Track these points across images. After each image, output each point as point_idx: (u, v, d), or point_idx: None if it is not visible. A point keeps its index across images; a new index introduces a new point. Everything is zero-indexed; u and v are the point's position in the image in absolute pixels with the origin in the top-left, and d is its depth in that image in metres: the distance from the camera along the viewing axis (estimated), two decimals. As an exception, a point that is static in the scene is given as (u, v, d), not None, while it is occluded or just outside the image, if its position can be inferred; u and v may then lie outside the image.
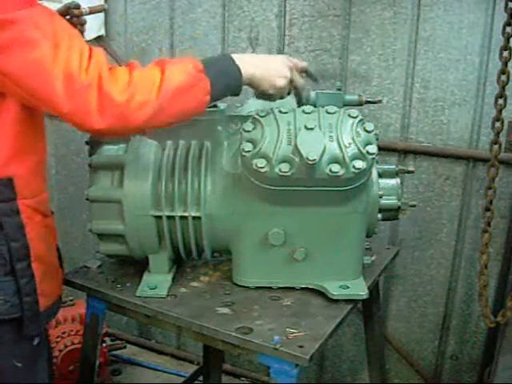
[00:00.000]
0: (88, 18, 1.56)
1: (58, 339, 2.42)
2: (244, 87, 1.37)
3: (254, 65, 1.36)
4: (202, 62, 1.28)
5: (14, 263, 1.24)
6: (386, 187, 1.62)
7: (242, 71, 1.32)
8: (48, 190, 1.40)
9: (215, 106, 1.42)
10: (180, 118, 1.28)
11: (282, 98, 1.45)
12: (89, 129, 1.18)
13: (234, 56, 1.34)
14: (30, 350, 1.35)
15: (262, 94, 1.43)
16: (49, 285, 1.36)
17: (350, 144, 1.37)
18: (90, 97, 1.13)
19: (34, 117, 1.28)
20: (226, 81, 1.31)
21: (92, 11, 1.59)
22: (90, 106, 1.14)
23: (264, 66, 1.38)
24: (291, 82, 1.44)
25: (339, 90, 1.59)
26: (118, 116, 1.17)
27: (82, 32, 1.51)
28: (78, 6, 1.52)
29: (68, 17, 1.50)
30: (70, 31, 1.18)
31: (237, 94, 1.37)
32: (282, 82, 1.40)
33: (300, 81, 1.47)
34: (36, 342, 1.36)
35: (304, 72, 1.52)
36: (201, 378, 2.48)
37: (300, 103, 1.51)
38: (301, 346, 1.31)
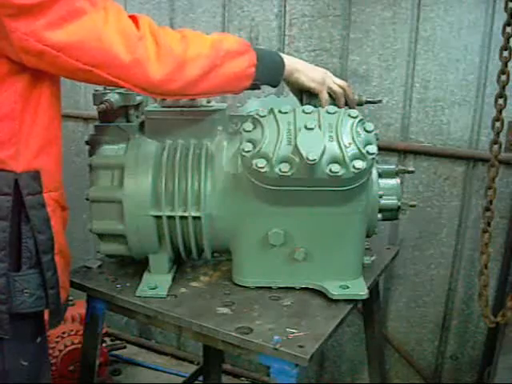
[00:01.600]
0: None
1: (58, 339, 2.42)
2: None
3: (294, 62, 1.48)
4: (251, 44, 1.39)
5: (40, 256, 1.25)
6: (386, 187, 1.62)
7: (285, 60, 1.44)
8: (61, 173, 1.40)
9: (256, 86, 1.46)
10: (225, 83, 1.34)
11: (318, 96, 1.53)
12: (149, 79, 1.21)
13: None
14: (34, 349, 1.36)
15: (302, 90, 1.52)
16: (66, 278, 1.38)
17: (350, 144, 1.37)
18: (147, 46, 1.19)
19: (59, 104, 1.30)
20: (271, 64, 1.41)
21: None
22: (149, 54, 1.19)
23: (304, 64, 1.50)
24: (329, 87, 1.53)
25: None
26: (176, 64, 1.23)
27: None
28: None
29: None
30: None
31: (275, 85, 1.46)
32: (320, 77, 1.50)
33: (339, 90, 1.54)
34: (39, 340, 1.36)
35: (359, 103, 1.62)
36: (201, 378, 2.49)
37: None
38: (301, 346, 1.31)
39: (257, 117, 1.42)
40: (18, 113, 1.18)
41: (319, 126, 1.38)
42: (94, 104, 1.56)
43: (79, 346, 2.22)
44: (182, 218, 1.54)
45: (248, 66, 1.34)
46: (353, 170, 1.36)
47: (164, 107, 1.60)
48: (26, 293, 1.24)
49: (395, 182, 1.67)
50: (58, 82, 1.30)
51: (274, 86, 1.47)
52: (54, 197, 1.29)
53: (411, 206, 1.71)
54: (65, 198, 1.38)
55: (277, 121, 1.40)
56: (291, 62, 1.46)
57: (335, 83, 1.54)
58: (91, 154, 1.61)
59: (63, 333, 2.44)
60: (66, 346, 2.41)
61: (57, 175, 1.32)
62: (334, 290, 1.53)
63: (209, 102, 1.62)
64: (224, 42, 1.31)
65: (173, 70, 1.23)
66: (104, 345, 2.63)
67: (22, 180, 1.21)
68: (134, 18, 1.21)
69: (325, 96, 1.52)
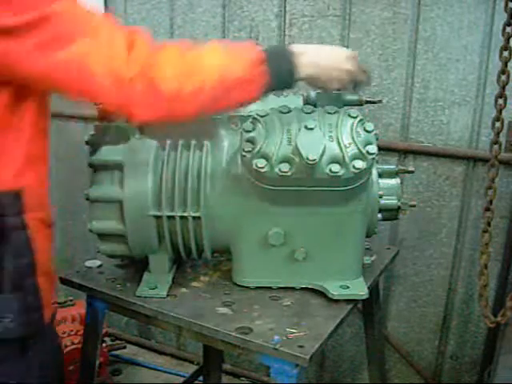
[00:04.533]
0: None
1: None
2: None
3: (314, 63, 1.29)
4: (265, 54, 1.21)
5: (22, 279, 1.17)
6: (386, 187, 1.62)
7: (300, 72, 1.26)
8: (48, 190, 1.34)
9: (339, 89, 1.39)
10: (231, 109, 1.29)
11: (339, 89, 1.42)
12: (136, 120, 1.15)
13: (297, 51, 1.26)
14: (22, 366, 1.27)
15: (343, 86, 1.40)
16: (50, 295, 1.30)
17: (350, 144, 1.37)
18: (135, 89, 1.08)
19: (46, 120, 1.23)
20: (281, 81, 1.26)
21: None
22: (136, 98, 1.09)
23: (325, 64, 1.31)
24: (352, 74, 1.37)
25: (339, 90, 1.59)
26: (167, 109, 1.14)
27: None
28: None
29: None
30: (107, 21, 1.12)
31: (291, 87, 1.32)
32: (341, 76, 1.35)
33: (361, 76, 1.42)
34: (30, 353, 1.28)
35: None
36: (201, 378, 2.48)
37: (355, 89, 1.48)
38: (301, 346, 1.31)
39: (257, 117, 1.43)
40: (0, 127, 1.12)
41: (319, 126, 1.38)
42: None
43: (79, 346, 2.22)
44: (181, 218, 1.54)
45: (258, 90, 1.21)
46: (353, 170, 1.36)
47: (164, 107, 1.60)
48: (8, 318, 1.17)
49: (395, 182, 1.67)
50: (46, 98, 1.22)
51: (292, 88, 1.34)
52: (36, 216, 1.20)
53: (411, 205, 1.71)
54: (50, 215, 1.30)
55: (277, 121, 1.40)
56: (305, 71, 1.28)
57: (358, 69, 1.39)
58: (91, 153, 1.61)
59: (63, 333, 2.44)
60: (66, 346, 2.41)
61: (42, 194, 1.24)
62: (334, 290, 1.53)
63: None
64: (232, 71, 1.16)
65: (163, 113, 1.15)
66: (104, 345, 2.62)
67: (2, 199, 1.13)
68: (131, 45, 1.09)
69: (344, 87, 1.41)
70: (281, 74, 1.24)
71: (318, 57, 1.32)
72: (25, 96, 1.14)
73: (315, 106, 1.48)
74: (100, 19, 1.12)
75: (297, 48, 1.28)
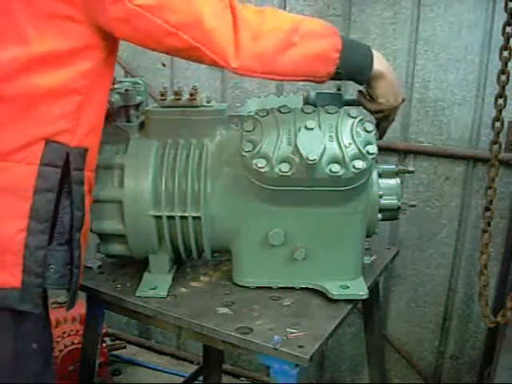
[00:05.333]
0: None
1: (58, 339, 2.42)
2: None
3: (386, 67, 1.38)
4: (342, 39, 1.30)
5: (72, 233, 1.24)
6: (385, 187, 1.62)
7: (375, 62, 1.34)
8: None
9: (341, 77, 1.37)
10: (306, 64, 1.28)
11: (388, 119, 1.50)
12: (228, 48, 1.20)
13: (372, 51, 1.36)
14: (44, 333, 1.33)
15: (378, 110, 1.45)
16: (83, 259, 1.36)
17: (350, 144, 1.37)
18: (227, 16, 1.18)
19: (110, 89, 1.34)
20: (358, 56, 1.33)
21: None
22: (228, 23, 1.18)
23: (392, 75, 1.40)
24: (400, 104, 1.46)
25: (339, 90, 1.59)
26: (250, 36, 1.20)
27: None
28: None
29: None
30: None
31: (361, 82, 1.39)
32: (400, 98, 1.44)
33: (394, 115, 1.50)
34: (46, 326, 1.34)
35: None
36: (201, 378, 2.48)
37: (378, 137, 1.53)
38: (301, 346, 1.31)
39: (257, 117, 1.43)
40: (85, 89, 1.20)
41: (319, 126, 1.38)
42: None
43: (79, 346, 2.22)
44: (181, 218, 1.54)
45: (331, 50, 1.27)
46: (353, 170, 1.36)
47: (164, 107, 1.60)
48: (52, 269, 1.22)
49: (395, 182, 1.67)
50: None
51: (360, 83, 1.40)
52: (90, 176, 1.30)
53: (411, 205, 1.71)
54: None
55: (277, 121, 1.40)
56: (382, 63, 1.36)
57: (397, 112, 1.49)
58: (91, 153, 1.61)
59: (63, 333, 2.44)
60: (65, 346, 2.41)
61: (96, 156, 1.34)
62: (334, 289, 1.53)
63: (209, 101, 1.62)
64: (306, 23, 1.26)
65: (247, 41, 1.20)
66: (104, 345, 2.62)
67: (72, 155, 1.21)
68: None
69: (389, 121, 1.50)
70: (356, 51, 1.32)
71: (387, 68, 1.39)
72: (109, 64, 1.26)
73: (315, 106, 1.48)
74: None
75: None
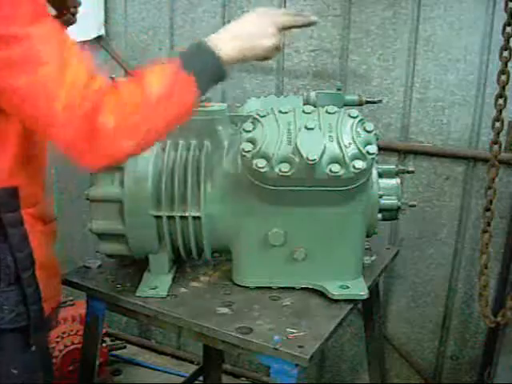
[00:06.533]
0: (88, 17, 1.55)
1: (58, 339, 2.41)
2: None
3: (234, 46, 1.22)
4: (180, 58, 1.16)
5: (19, 273, 1.21)
6: (386, 187, 1.62)
7: (224, 57, 1.19)
8: (46, 187, 1.37)
9: (338, 89, 1.31)
10: (174, 123, 1.20)
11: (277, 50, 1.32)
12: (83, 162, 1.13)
13: (211, 42, 1.20)
14: (26, 358, 1.32)
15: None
16: (51, 290, 1.34)
17: (350, 144, 1.37)
18: (82, 126, 1.06)
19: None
20: (209, 75, 1.20)
21: None
22: (81, 134, 1.07)
23: (246, 40, 1.24)
24: (283, 29, 1.30)
25: (339, 90, 1.59)
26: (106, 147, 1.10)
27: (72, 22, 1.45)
28: None
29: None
30: (78, 51, 1.11)
31: (223, 80, 1.25)
32: (269, 44, 1.27)
33: (292, 22, 1.35)
34: (33, 348, 1.32)
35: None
36: (201, 378, 2.48)
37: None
38: (301, 346, 1.31)
39: (257, 117, 1.43)
40: None
41: (319, 126, 1.38)
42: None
43: (79, 346, 2.22)
44: (181, 217, 1.54)
45: (188, 93, 1.16)
46: (353, 170, 1.36)
47: (164, 107, 1.60)
48: (6, 309, 1.21)
49: (395, 182, 1.67)
50: None
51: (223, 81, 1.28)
52: (31, 212, 1.24)
53: (411, 206, 1.71)
54: (45, 211, 1.33)
55: (277, 121, 1.40)
56: (229, 54, 1.21)
57: (284, 22, 1.31)
58: (91, 153, 1.61)
59: (63, 333, 2.44)
60: (66, 346, 2.41)
61: (35, 190, 1.28)
62: (334, 290, 1.53)
63: (209, 101, 1.62)
64: (153, 88, 1.11)
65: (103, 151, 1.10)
66: (104, 345, 2.62)
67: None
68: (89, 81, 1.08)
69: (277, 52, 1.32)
70: (204, 69, 1.18)
71: (234, 35, 1.25)
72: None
73: (315, 106, 1.48)
74: (73, 47, 1.10)
75: (208, 40, 1.21)
